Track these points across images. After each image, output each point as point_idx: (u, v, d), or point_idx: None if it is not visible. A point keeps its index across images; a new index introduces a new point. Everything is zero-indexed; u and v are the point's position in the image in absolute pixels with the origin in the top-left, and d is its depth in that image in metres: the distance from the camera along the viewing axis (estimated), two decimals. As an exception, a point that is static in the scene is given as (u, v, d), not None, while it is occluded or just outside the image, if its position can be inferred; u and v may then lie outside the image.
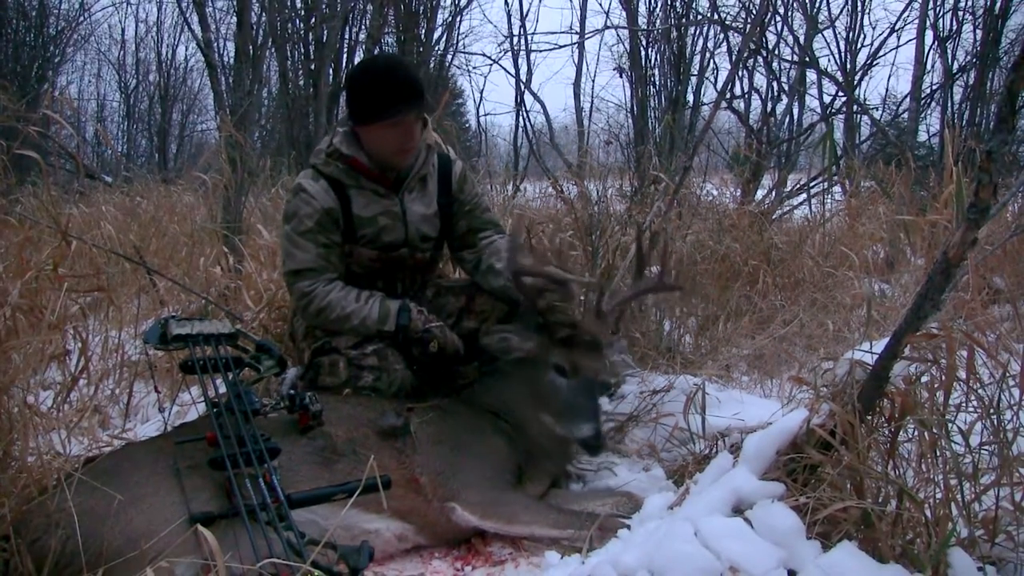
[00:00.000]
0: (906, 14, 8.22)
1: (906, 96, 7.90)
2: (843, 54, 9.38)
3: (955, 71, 8.07)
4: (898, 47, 8.96)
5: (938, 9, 7.91)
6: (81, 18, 15.20)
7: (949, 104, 8.20)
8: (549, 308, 2.30)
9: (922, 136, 8.22)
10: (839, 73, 9.04)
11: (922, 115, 7.86)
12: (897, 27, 8.41)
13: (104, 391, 3.08)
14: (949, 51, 8.06)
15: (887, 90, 10.78)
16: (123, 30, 20.27)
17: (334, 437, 2.05)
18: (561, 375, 2.27)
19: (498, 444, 2.28)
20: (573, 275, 2.38)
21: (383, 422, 2.14)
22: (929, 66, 7.97)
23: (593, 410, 2.25)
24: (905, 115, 7.34)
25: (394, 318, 2.44)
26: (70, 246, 3.24)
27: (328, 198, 2.49)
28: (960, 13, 8.13)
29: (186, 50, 20.10)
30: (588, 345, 2.29)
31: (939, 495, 1.66)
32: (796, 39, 7.46)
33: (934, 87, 8.24)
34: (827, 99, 9.22)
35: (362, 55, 8.50)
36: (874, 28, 9.09)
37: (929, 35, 7.78)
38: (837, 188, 6.74)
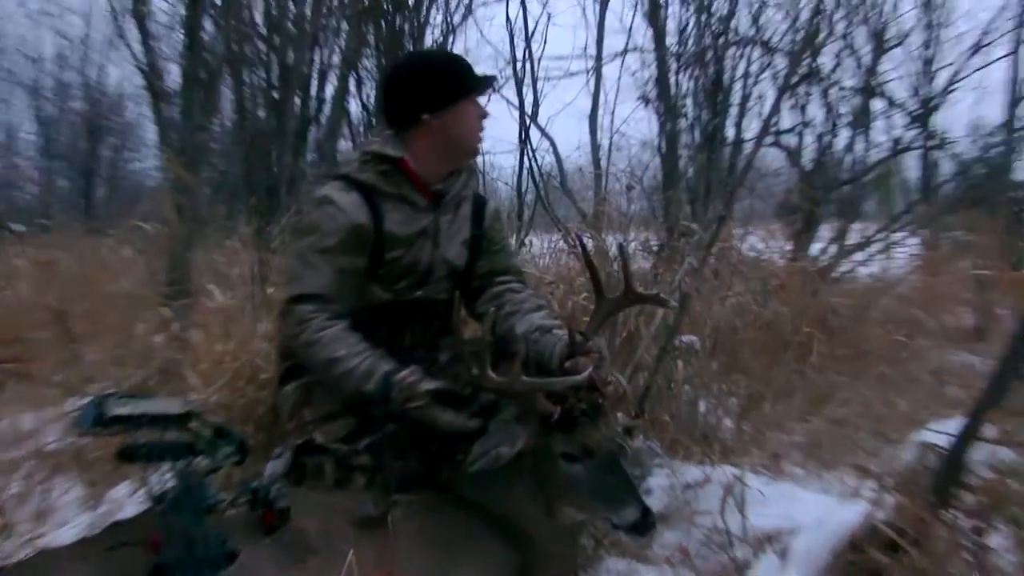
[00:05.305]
0: (996, 24, 7.99)
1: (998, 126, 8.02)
2: (918, 76, 9.57)
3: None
4: (987, 64, 8.99)
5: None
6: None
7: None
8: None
9: (1021, 174, 8.25)
10: (912, 101, 9.25)
11: (1017, 149, 7.96)
12: (984, 43, 8.15)
13: (9, 489, 3.08)
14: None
15: (974, 119, 10.84)
16: (39, 46, 19.82)
17: (306, 531, 2.10)
18: (573, 462, 2.30)
19: (494, 548, 2.32)
20: (546, 380, 2.38)
21: (360, 512, 2.21)
22: (1028, 88, 7.97)
23: (628, 487, 2.27)
24: (997, 149, 7.40)
25: (377, 382, 2.44)
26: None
27: (360, 212, 2.56)
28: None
29: (120, 72, 20.36)
30: (588, 415, 2.30)
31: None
32: (858, 61, 7.64)
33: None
34: (897, 132, 9.42)
35: (336, 81, 8.76)
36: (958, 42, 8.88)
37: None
38: (915, 239, 6.83)
